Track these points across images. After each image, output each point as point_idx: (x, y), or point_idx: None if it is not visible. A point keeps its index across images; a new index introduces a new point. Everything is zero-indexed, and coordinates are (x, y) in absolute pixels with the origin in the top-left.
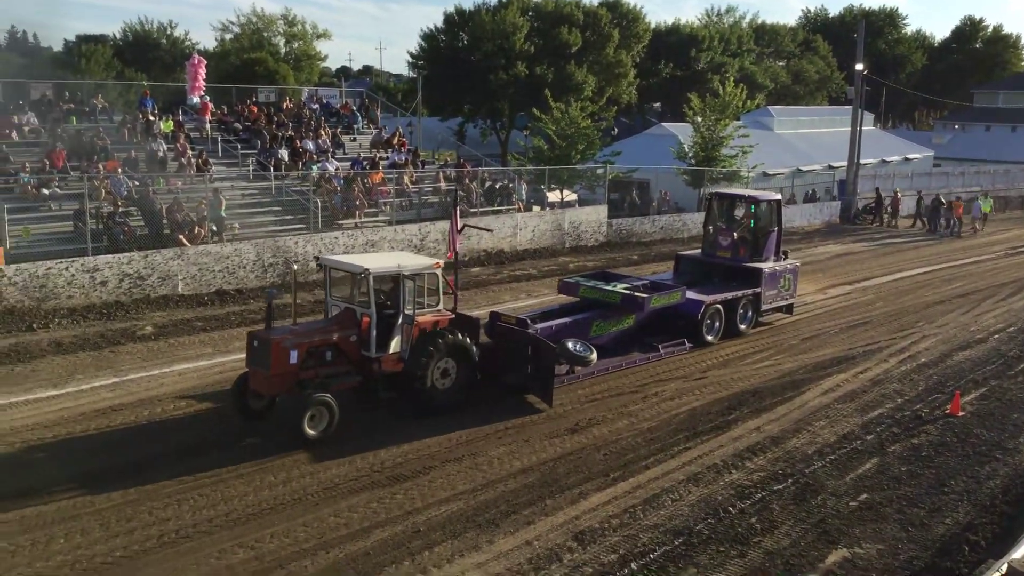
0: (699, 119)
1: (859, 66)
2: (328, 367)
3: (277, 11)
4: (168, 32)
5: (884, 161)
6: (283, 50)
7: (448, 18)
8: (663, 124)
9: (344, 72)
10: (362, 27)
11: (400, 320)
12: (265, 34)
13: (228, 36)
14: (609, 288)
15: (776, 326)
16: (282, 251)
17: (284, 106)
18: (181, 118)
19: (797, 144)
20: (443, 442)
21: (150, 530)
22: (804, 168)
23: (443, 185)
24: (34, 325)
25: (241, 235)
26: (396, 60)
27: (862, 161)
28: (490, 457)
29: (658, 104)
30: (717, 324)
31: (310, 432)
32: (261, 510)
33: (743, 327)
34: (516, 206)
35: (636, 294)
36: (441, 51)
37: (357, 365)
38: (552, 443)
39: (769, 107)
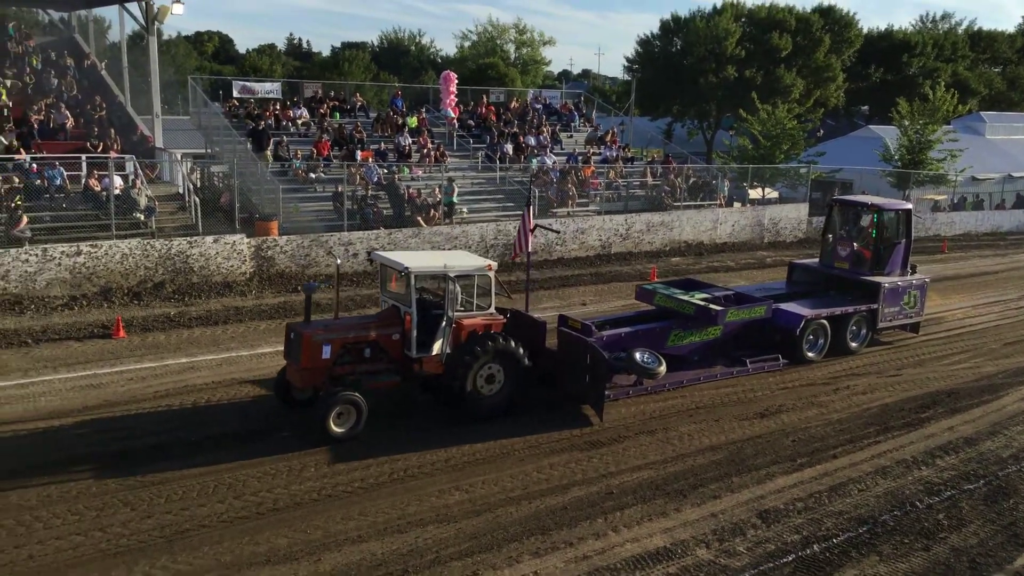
0: (906, 123)
1: None
2: (366, 364)
3: (509, 21)
4: (417, 40)
5: None
6: (513, 56)
7: (664, 25)
8: (870, 127)
9: (565, 75)
10: (583, 34)
11: (444, 322)
12: (498, 41)
13: (467, 43)
14: (685, 298)
15: (978, 330)
16: (503, 234)
17: (511, 105)
18: (424, 115)
19: (1009, 150)
20: (637, 415)
21: (383, 467)
22: (1016, 174)
23: (649, 180)
24: (298, 287)
25: (468, 219)
26: (612, 64)
27: None
28: (680, 432)
29: (866, 107)
30: (821, 341)
31: (335, 430)
32: (475, 459)
33: (855, 345)
34: (718, 201)
35: (711, 306)
36: (655, 55)
37: (398, 364)
38: (741, 425)
39: (982, 112)
